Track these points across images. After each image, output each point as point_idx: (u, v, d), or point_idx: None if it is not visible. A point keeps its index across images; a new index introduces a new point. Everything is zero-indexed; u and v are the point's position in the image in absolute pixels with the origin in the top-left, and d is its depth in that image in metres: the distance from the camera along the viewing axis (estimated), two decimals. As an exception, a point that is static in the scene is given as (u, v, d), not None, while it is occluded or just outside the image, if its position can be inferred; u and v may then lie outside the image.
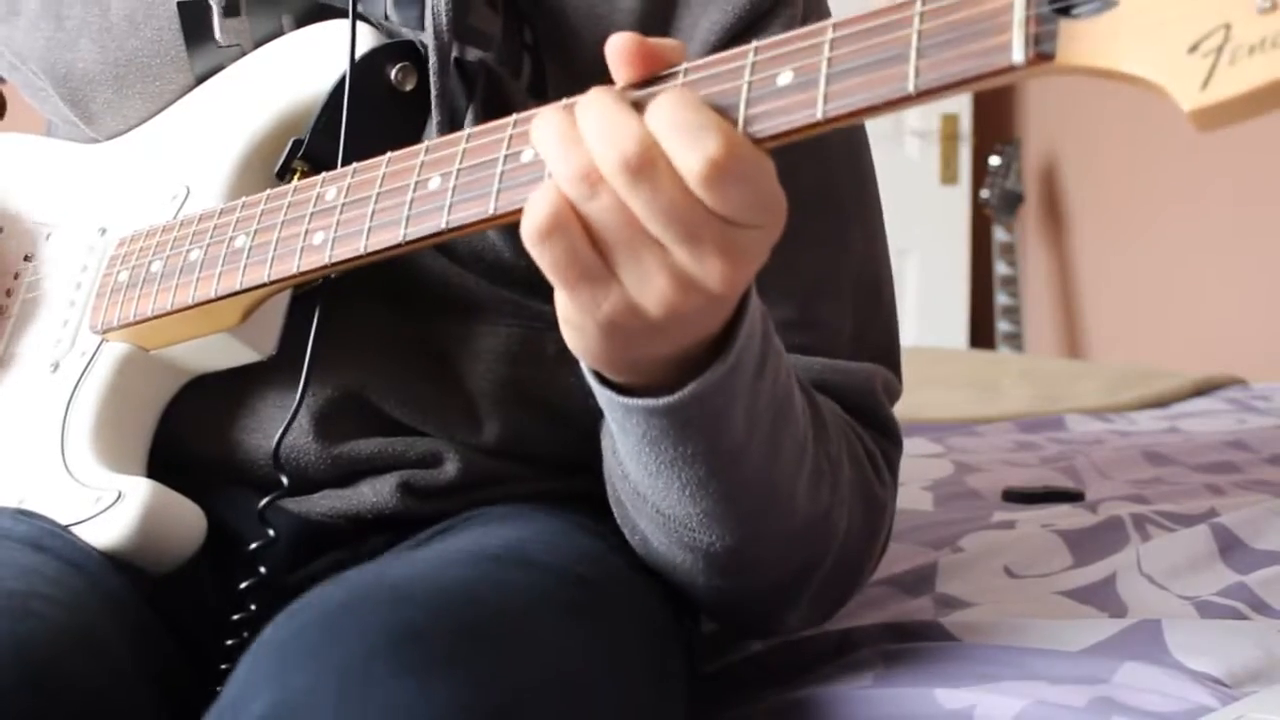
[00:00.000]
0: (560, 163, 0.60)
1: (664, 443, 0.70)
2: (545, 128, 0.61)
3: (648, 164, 0.58)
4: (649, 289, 0.61)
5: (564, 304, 0.63)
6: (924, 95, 0.56)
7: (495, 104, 0.82)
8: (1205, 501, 1.25)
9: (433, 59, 0.82)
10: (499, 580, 0.72)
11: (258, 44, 0.89)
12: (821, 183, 0.86)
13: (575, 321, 0.64)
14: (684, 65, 0.61)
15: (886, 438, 0.88)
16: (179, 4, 0.89)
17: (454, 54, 0.82)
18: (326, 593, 0.67)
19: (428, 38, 0.82)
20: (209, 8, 0.89)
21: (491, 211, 0.66)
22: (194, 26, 0.89)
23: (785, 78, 0.58)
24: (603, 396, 0.69)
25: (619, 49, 0.62)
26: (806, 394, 0.77)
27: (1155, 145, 3.16)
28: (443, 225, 0.69)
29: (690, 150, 0.58)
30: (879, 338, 0.90)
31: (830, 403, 0.82)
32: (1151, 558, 1.06)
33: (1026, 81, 3.64)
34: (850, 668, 0.88)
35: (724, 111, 0.59)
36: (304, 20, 0.88)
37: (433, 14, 0.82)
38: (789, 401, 0.73)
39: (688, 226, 0.59)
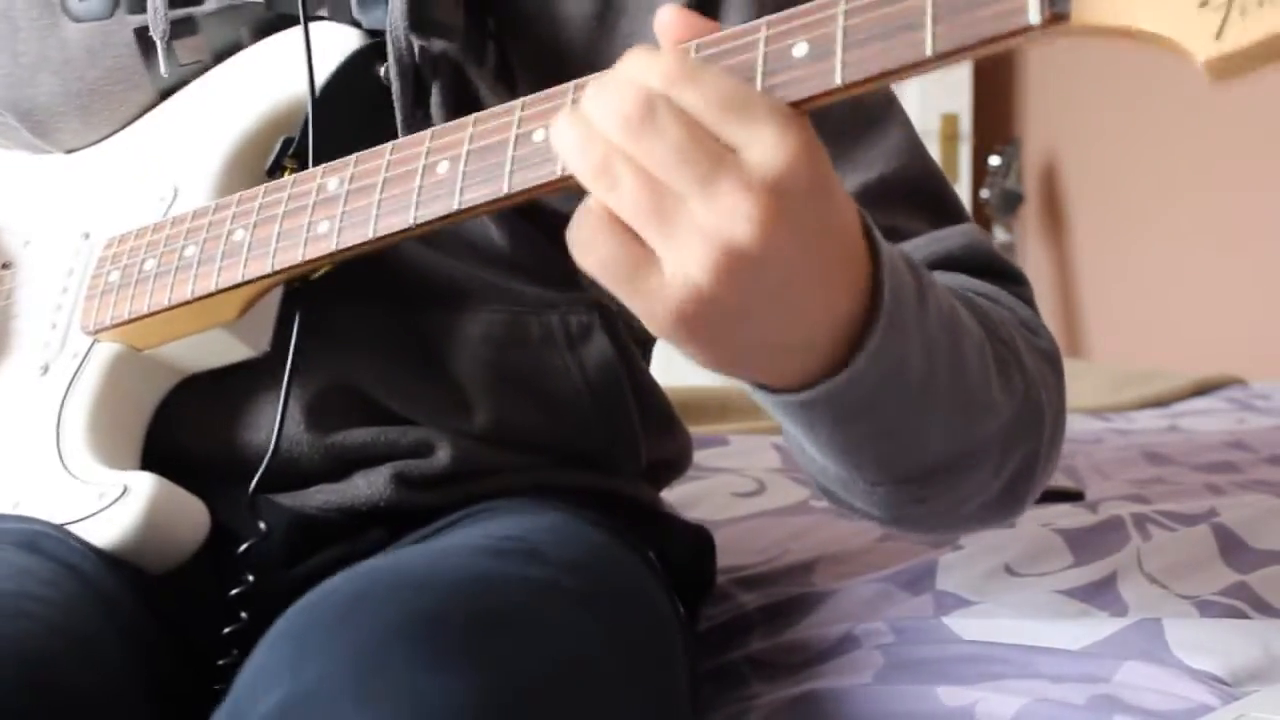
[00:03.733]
0: (580, 161, 0.59)
1: (856, 421, 0.66)
2: (563, 134, 0.60)
3: (646, 111, 0.57)
4: (689, 259, 0.57)
5: (637, 313, 0.60)
6: (942, 58, 0.56)
7: (458, 94, 0.83)
8: (1205, 501, 1.25)
9: (391, 54, 0.82)
10: (509, 571, 0.72)
11: (218, 58, 0.89)
12: (859, 109, 0.85)
13: (658, 329, 0.60)
14: (695, 41, 0.61)
15: (1014, 281, 0.85)
16: (136, 30, 0.89)
17: (418, 46, 0.82)
18: (338, 584, 0.68)
19: (388, 34, 0.82)
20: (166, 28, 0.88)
21: (505, 191, 0.67)
22: (153, 49, 0.89)
23: (801, 49, 0.59)
24: (773, 403, 0.66)
25: (666, 24, 0.62)
26: (961, 296, 0.74)
27: (1156, 145, 3.16)
28: (455, 206, 0.69)
29: (651, 71, 0.58)
30: (953, 215, 0.87)
31: (960, 278, 0.81)
32: (1152, 557, 1.05)
33: (1027, 81, 3.63)
34: (851, 665, 0.88)
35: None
36: (263, 32, 0.88)
37: (391, 10, 0.82)
38: (953, 312, 0.69)
39: (698, 164, 0.56)
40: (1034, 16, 0.54)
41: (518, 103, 0.67)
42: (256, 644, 0.66)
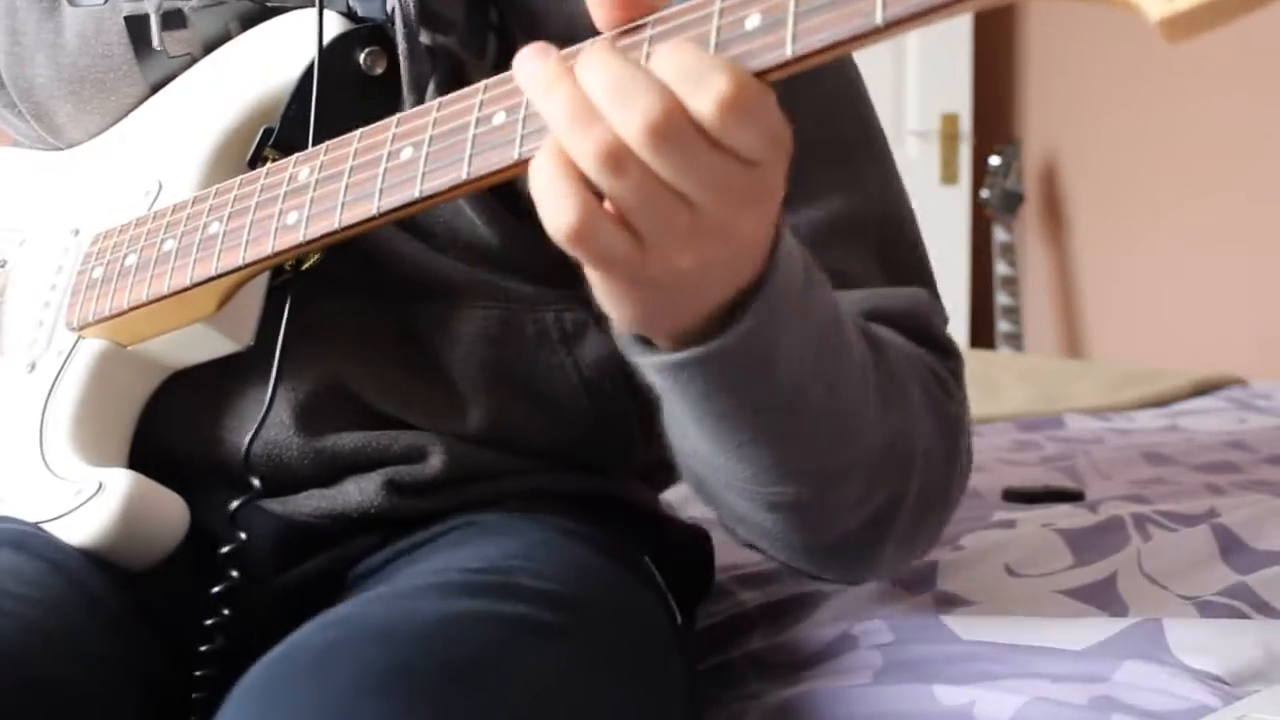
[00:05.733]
0: (580, 140, 0.57)
1: (723, 394, 0.67)
2: (554, 101, 0.58)
3: (674, 125, 0.56)
4: (687, 250, 0.59)
5: (602, 282, 0.62)
6: (892, 27, 0.55)
7: (455, 87, 0.83)
8: (1205, 501, 1.24)
9: (402, 47, 0.81)
10: (484, 612, 0.71)
11: (207, 51, 0.88)
12: (829, 134, 0.85)
13: (615, 296, 0.62)
14: (651, 16, 0.61)
15: (945, 353, 0.86)
16: (126, 18, 0.89)
17: (420, 37, 0.82)
18: (307, 635, 0.67)
19: (395, 26, 0.82)
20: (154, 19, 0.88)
21: (465, 176, 0.66)
22: (143, 39, 0.89)
23: (753, 20, 0.58)
24: (653, 363, 0.67)
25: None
26: (856, 321, 0.76)
27: (1155, 145, 3.16)
28: (416, 194, 0.68)
29: (703, 94, 0.56)
30: (910, 273, 0.88)
31: (884, 327, 0.81)
32: (1152, 557, 1.05)
33: (1027, 81, 3.62)
34: (849, 664, 0.88)
35: None
36: (251, 24, 0.87)
37: (399, 2, 0.82)
38: (840, 327, 0.71)
39: (718, 180, 0.57)
40: None
41: (480, 85, 0.66)
42: (229, 690, 0.65)
